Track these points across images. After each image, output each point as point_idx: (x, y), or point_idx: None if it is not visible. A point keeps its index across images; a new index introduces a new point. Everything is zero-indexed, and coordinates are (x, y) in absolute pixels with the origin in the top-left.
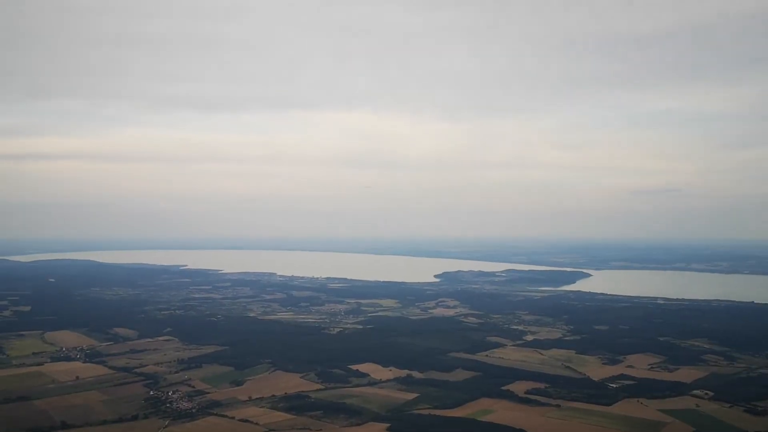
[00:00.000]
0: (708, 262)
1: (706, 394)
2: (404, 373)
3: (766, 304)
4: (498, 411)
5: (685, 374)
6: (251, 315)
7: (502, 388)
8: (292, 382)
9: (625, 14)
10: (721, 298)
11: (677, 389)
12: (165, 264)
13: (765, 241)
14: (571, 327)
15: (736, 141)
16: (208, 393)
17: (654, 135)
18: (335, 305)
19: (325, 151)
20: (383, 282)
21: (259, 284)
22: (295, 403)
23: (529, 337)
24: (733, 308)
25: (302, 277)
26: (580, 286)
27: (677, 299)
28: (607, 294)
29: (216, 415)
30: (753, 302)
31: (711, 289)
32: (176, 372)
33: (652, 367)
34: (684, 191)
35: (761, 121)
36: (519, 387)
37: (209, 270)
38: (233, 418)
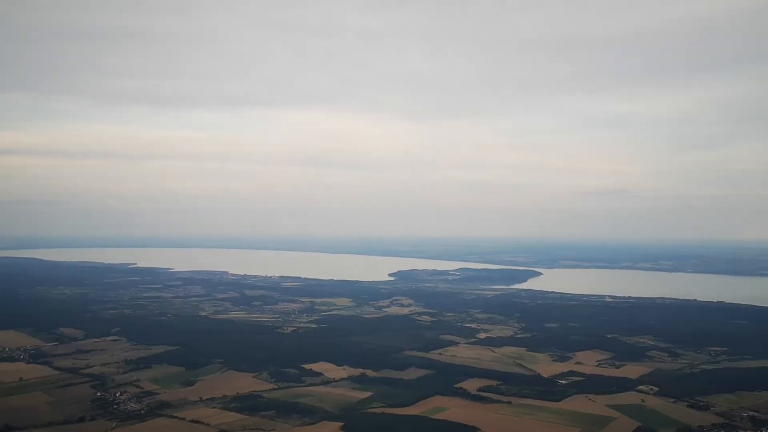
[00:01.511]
0: (653, 261)
1: (651, 389)
2: (358, 371)
3: (708, 301)
4: (451, 409)
5: (631, 370)
6: (203, 314)
7: (455, 385)
8: (244, 382)
9: (578, 19)
10: (665, 296)
11: (624, 385)
12: (113, 262)
13: (707, 240)
14: (523, 325)
15: (681, 144)
16: (158, 394)
17: (605, 137)
18: (289, 304)
19: (282, 149)
20: (338, 281)
21: (211, 283)
22: (248, 403)
23: (482, 335)
24: (676, 306)
25: (255, 276)
26: (532, 284)
27: (624, 297)
28: (557, 292)
29: (166, 416)
30: (695, 300)
31: (656, 287)
32: (124, 373)
33: (599, 364)
34: (632, 192)
35: (706, 125)
36: (472, 384)
37: (159, 269)
38: (183, 419)
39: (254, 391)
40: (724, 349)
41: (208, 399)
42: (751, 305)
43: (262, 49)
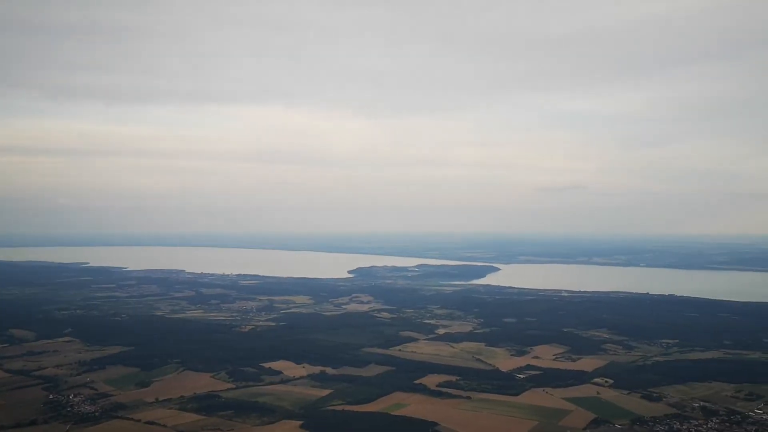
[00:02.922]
0: (608, 256)
1: (606, 381)
2: (318, 369)
3: (660, 295)
4: (411, 405)
5: (587, 363)
6: (158, 314)
7: (415, 381)
8: (201, 382)
9: (537, 18)
10: (619, 290)
11: (580, 378)
12: (65, 262)
13: (659, 235)
14: (481, 320)
15: (634, 141)
16: (113, 395)
17: (562, 135)
18: (247, 302)
19: (239, 146)
20: (296, 278)
21: (167, 282)
22: (205, 404)
23: (441, 331)
24: (630, 299)
25: (212, 274)
26: (490, 280)
27: (580, 292)
28: (515, 287)
29: (121, 418)
30: (648, 293)
31: (610, 281)
32: (78, 374)
33: (556, 358)
34: (587, 188)
35: (656, 123)
36: (431, 380)
37: (113, 268)
38: (139, 420)
39: (212, 391)
40: (676, 341)
41: (164, 400)
42: (701, 298)
43: (219, 44)
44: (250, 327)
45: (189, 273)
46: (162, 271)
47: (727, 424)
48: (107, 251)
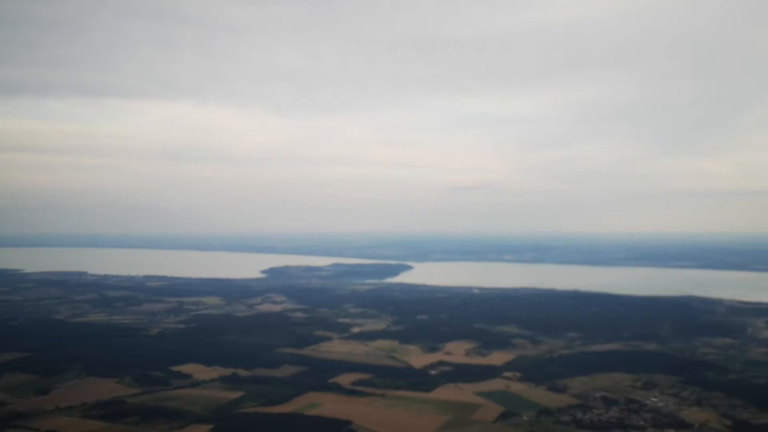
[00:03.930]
0: (517, 253)
1: (515, 375)
2: (229, 371)
3: (565, 290)
4: (325, 404)
5: (497, 358)
6: (58, 318)
7: (329, 381)
8: (106, 388)
9: (447, 20)
10: (527, 287)
11: (490, 372)
12: None
13: (565, 233)
14: (395, 318)
15: (541, 142)
16: (9, 404)
17: (473, 135)
18: (154, 305)
19: (146, 143)
20: (207, 279)
21: (68, 284)
22: (110, 410)
23: (355, 330)
24: (538, 295)
25: (117, 276)
26: (404, 278)
27: (490, 288)
28: (428, 285)
29: (18, 427)
30: (554, 289)
31: (519, 278)
32: None
33: (468, 353)
34: (496, 188)
35: (562, 125)
36: (345, 379)
37: (8, 270)
38: (38, 429)
39: (117, 397)
40: (579, 334)
41: (66, 407)
42: (602, 293)
43: (123, 37)
44: (158, 330)
45: (92, 275)
46: (62, 273)
47: (626, 413)
48: (1, 252)
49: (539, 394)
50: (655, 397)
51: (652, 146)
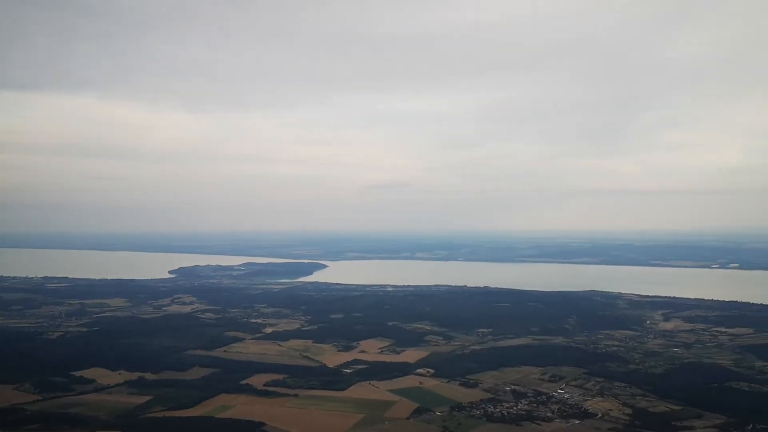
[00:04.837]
0: (430, 251)
1: (428, 372)
2: (136, 375)
3: (476, 287)
4: (237, 406)
5: (411, 355)
6: None
7: (241, 382)
8: (3, 395)
9: (364, 18)
10: (440, 284)
11: (404, 369)
12: None
13: (476, 231)
14: (309, 317)
15: (457, 141)
16: None
17: (390, 134)
18: (55, 307)
19: (45, 138)
20: (112, 280)
21: None
22: (8, 418)
23: (268, 330)
24: (450, 292)
25: (14, 278)
26: (318, 277)
27: (403, 286)
28: (342, 284)
29: None
30: (466, 286)
31: (432, 275)
32: None
33: (382, 351)
34: (411, 186)
35: (478, 124)
36: (258, 380)
37: None
38: None
39: (15, 404)
40: (490, 330)
41: None
42: (512, 289)
43: (21, 27)
44: (59, 333)
45: None
46: None
47: (535, 405)
48: None
49: (452, 390)
50: (561, 389)
51: (563, 146)
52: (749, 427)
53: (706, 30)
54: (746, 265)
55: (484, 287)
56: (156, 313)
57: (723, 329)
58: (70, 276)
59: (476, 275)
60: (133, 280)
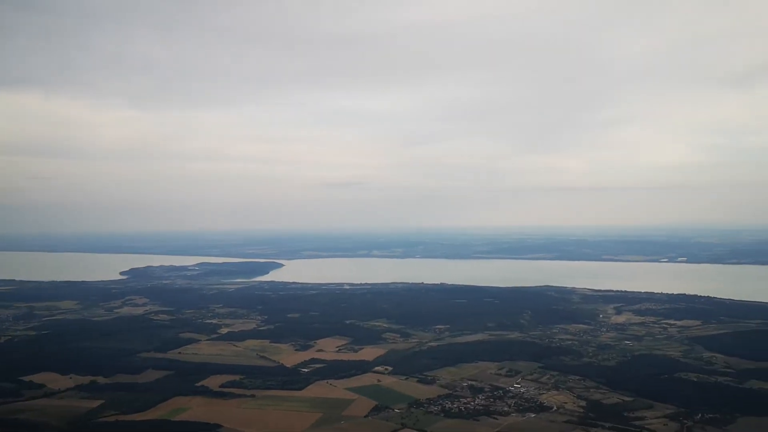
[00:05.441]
0: (386, 249)
1: (386, 369)
2: (87, 379)
3: (432, 284)
4: (192, 408)
5: (368, 353)
6: None
7: (197, 384)
8: None
9: (317, 16)
10: (397, 281)
11: (361, 367)
12: None
13: (432, 228)
14: (265, 317)
15: (413, 139)
16: None
17: (345, 132)
18: (1, 311)
19: None
20: (61, 282)
21: None
22: None
23: (224, 330)
24: (407, 290)
25: None
26: (274, 276)
27: (361, 284)
28: (298, 282)
29: None
30: (422, 283)
31: (389, 273)
32: None
33: (339, 349)
34: (368, 184)
35: (433, 122)
36: (214, 381)
37: None
38: None
39: None
40: (447, 326)
41: None
42: (468, 285)
43: None
44: (7, 338)
45: None
46: None
47: (491, 400)
48: None
49: (409, 387)
50: (517, 383)
51: (516, 144)
52: (698, 417)
53: (652, 29)
54: (693, 258)
55: (441, 284)
56: (108, 316)
57: (672, 321)
58: (17, 278)
59: (433, 272)
60: (83, 282)
